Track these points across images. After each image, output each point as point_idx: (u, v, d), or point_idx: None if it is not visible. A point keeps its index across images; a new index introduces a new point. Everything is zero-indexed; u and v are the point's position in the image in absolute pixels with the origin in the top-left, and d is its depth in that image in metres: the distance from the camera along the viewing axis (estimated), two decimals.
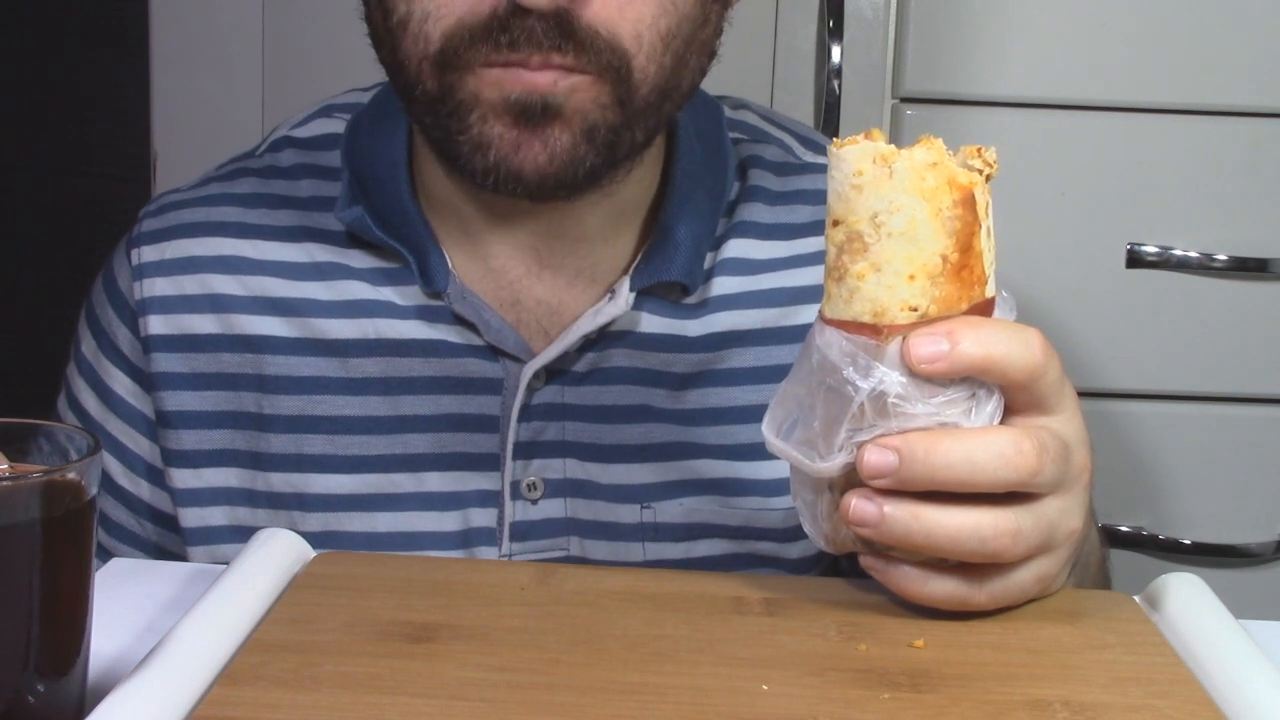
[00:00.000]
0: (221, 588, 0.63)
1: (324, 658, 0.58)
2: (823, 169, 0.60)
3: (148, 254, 0.87)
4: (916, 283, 0.59)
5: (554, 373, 0.83)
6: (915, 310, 0.59)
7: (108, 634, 0.62)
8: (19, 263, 2.06)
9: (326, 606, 0.63)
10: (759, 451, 0.82)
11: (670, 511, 0.84)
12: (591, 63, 0.73)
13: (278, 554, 0.68)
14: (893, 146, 0.59)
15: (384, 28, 0.76)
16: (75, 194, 2.03)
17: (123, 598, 0.69)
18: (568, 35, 0.72)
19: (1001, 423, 0.62)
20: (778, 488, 0.85)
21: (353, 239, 0.85)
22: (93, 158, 2.03)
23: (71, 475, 0.53)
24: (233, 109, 1.42)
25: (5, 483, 0.52)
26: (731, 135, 0.90)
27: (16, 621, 0.52)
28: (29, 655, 0.52)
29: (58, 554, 0.52)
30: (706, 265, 0.85)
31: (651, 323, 0.84)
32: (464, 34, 0.72)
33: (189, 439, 0.85)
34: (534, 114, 0.73)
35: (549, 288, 0.84)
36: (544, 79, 0.72)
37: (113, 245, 0.91)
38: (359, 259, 0.85)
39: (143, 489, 0.89)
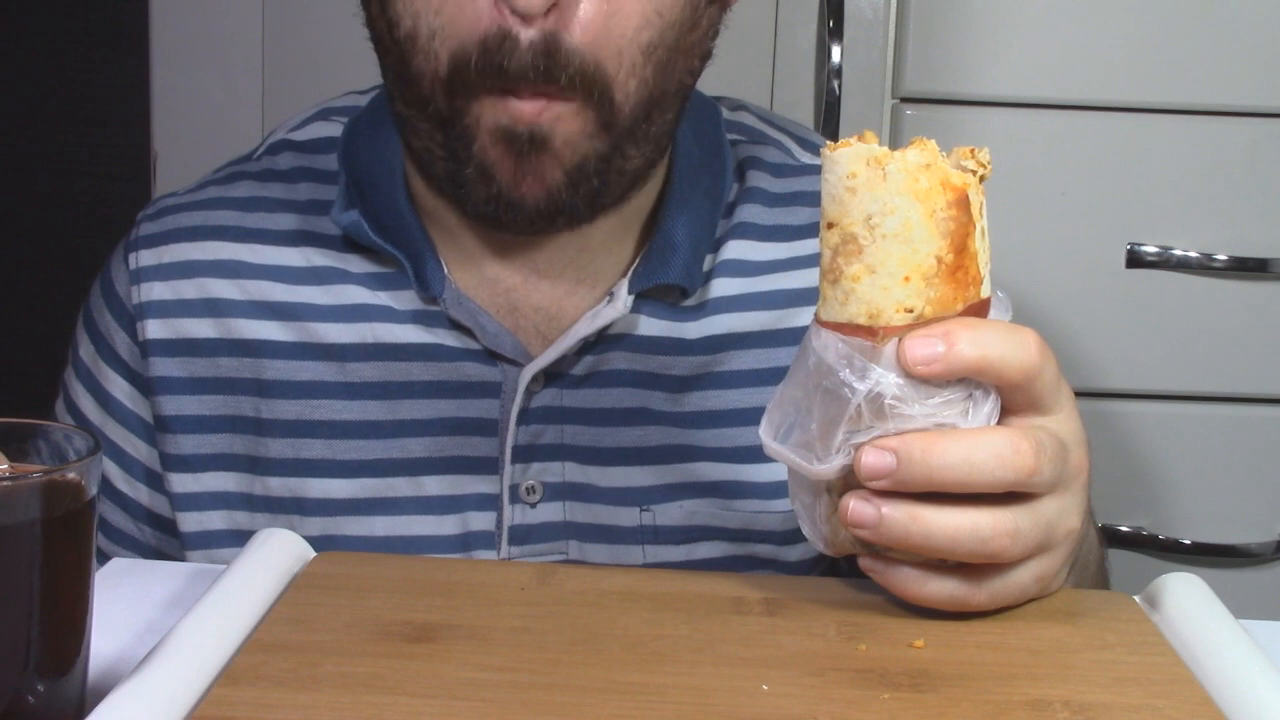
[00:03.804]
0: (221, 588, 0.63)
1: (324, 658, 0.58)
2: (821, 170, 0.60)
3: (145, 258, 0.87)
4: (911, 284, 0.59)
5: (552, 376, 0.83)
6: (911, 311, 0.59)
7: (108, 634, 0.62)
8: (19, 263, 2.06)
9: (326, 606, 0.63)
10: (758, 454, 0.82)
11: (669, 514, 0.84)
12: (576, 89, 0.73)
13: (278, 554, 0.68)
14: (886, 148, 0.59)
15: (390, 39, 0.75)
16: (75, 194, 2.03)
17: (123, 598, 0.69)
18: (553, 57, 0.71)
19: (999, 423, 0.62)
20: (777, 490, 0.85)
21: (350, 243, 0.85)
22: (93, 158, 2.02)
23: (71, 475, 0.53)
24: (233, 109, 1.42)
25: (5, 483, 0.52)
26: (729, 137, 0.90)
27: (16, 621, 0.52)
28: (29, 655, 0.52)
29: (58, 554, 0.52)
30: (705, 267, 0.85)
31: (650, 325, 0.84)
32: (467, 56, 0.72)
33: (187, 444, 0.85)
34: (522, 144, 0.73)
35: (547, 295, 0.84)
36: (530, 108, 0.72)
37: (112, 246, 0.91)
38: (356, 263, 0.85)
39: (141, 494, 0.89)
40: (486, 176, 0.75)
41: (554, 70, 0.72)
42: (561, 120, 0.73)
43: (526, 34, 0.71)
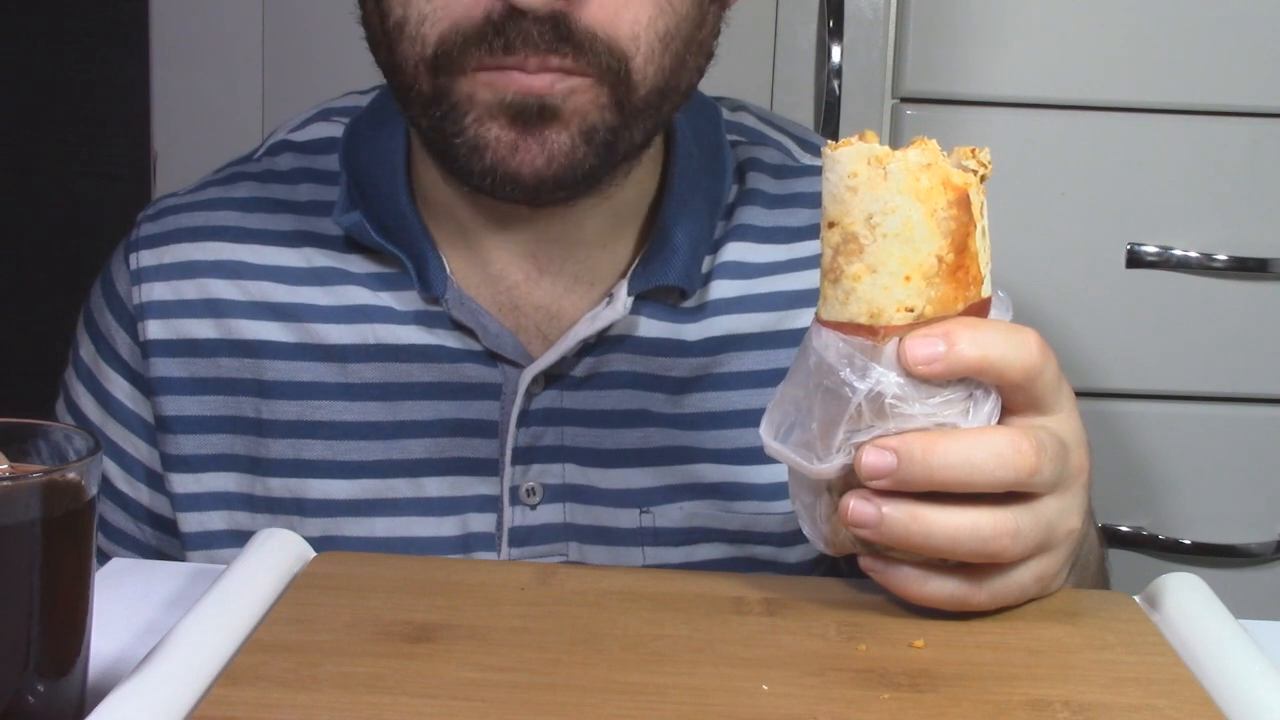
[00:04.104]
0: (221, 588, 0.63)
1: (324, 658, 0.58)
2: (821, 171, 0.60)
3: (146, 259, 0.87)
4: (912, 283, 0.59)
5: (552, 378, 0.83)
6: (911, 311, 0.59)
7: (108, 634, 0.62)
8: (19, 263, 2.06)
9: (326, 606, 0.63)
10: (757, 455, 0.82)
11: (669, 516, 0.84)
12: (590, 65, 0.73)
13: (278, 554, 0.68)
14: (887, 148, 0.59)
15: (381, 30, 0.76)
16: (75, 194, 2.03)
17: (123, 598, 0.69)
18: (564, 38, 0.72)
19: (999, 423, 0.62)
20: (776, 492, 0.85)
21: (351, 244, 0.85)
22: (93, 158, 2.02)
23: (71, 475, 0.53)
24: (233, 109, 1.42)
25: (5, 483, 0.52)
26: (729, 137, 0.90)
27: (16, 621, 0.52)
28: (29, 655, 0.52)
29: (58, 554, 0.52)
30: (705, 269, 0.85)
31: (650, 327, 0.84)
32: (459, 37, 0.72)
33: (188, 444, 0.85)
34: (530, 115, 0.73)
35: (547, 293, 0.84)
36: (540, 81, 0.72)
37: (112, 246, 0.91)
38: (357, 264, 0.85)
39: (142, 494, 0.88)
40: (479, 150, 0.74)
41: (561, 41, 0.72)
42: (575, 93, 0.73)
43: (534, 12, 0.71)
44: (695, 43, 0.77)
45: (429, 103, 0.75)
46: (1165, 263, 1.32)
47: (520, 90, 0.73)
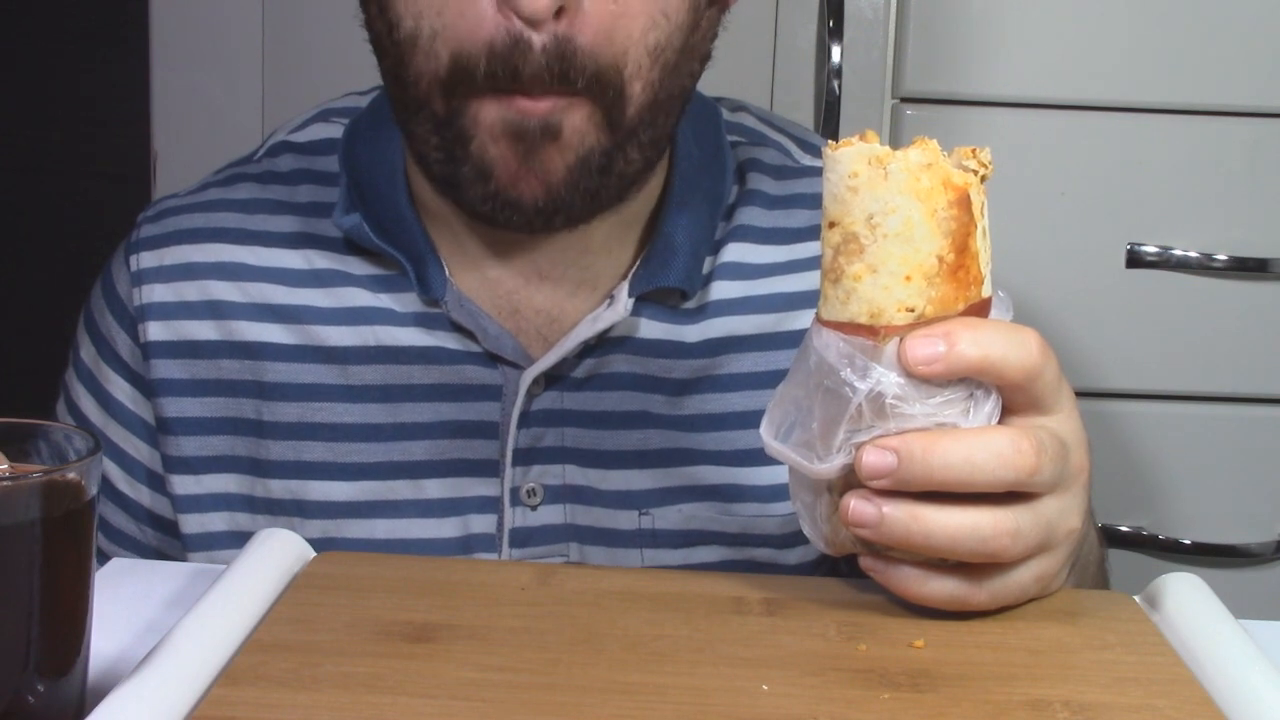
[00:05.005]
0: (221, 588, 0.63)
1: (324, 658, 0.58)
2: (821, 172, 0.60)
3: (146, 260, 0.87)
4: (913, 283, 0.59)
5: (553, 379, 0.83)
6: (912, 311, 0.59)
7: (108, 634, 0.62)
8: (19, 263, 2.06)
9: (326, 606, 0.63)
10: (757, 457, 0.82)
11: (668, 518, 0.84)
12: (588, 86, 0.73)
13: (278, 554, 0.68)
14: (888, 148, 0.59)
15: (389, 40, 0.75)
16: (75, 194, 2.03)
17: (123, 598, 0.69)
18: (568, 63, 0.71)
19: (999, 423, 0.62)
20: (776, 494, 0.85)
21: (351, 245, 0.85)
22: (93, 158, 2.03)
23: (71, 475, 0.53)
24: (233, 109, 1.42)
25: (5, 483, 0.52)
26: (730, 138, 0.90)
27: (16, 621, 0.52)
28: (29, 655, 0.52)
29: (58, 554, 0.52)
30: (705, 270, 0.85)
31: (650, 328, 0.84)
32: (472, 60, 0.72)
33: (189, 445, 0.85)
34: (533, 137, 0.73)
35: (548, 297, 0.84)
36: (543, 105, 0.72)
37: (112, 246, 0.91)
38: (358, 266, 0.85)
39: (143, 495, 0.88)
40: (484, 175, 0.75)
41: (569, 73, 0.72)
42: (572, 110, 0.73)
43: (538, 38, 0.71)
44: (688, 49, 0.77)
45: (441, 124, 0.75)
46: (1165, 263, 1.32)
47: (521, 114, 0.73)
